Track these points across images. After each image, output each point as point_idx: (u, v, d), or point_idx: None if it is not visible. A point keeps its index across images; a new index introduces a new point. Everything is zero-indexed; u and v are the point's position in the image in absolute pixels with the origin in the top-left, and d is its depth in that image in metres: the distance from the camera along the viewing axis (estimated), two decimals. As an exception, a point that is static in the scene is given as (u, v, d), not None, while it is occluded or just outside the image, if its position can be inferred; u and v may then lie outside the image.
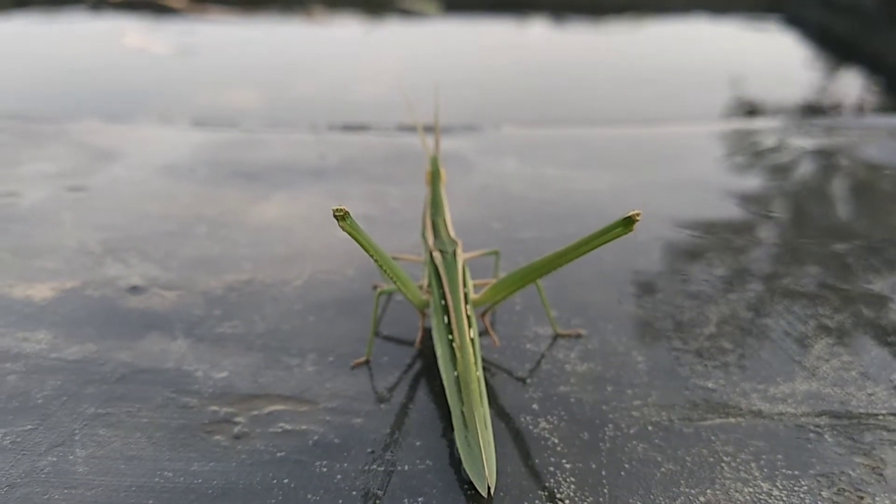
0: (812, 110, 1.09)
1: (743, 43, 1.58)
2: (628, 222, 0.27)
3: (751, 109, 1.06)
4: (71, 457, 0.28)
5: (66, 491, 0.26)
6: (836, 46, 1.49)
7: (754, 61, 1.43)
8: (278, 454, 0.28)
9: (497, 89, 1.14)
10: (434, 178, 0.36)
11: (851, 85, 1.31)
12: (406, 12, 1.65)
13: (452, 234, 0.35)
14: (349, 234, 0.28)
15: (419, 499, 0.26)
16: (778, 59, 1.44)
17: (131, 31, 1.41)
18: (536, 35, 1.55)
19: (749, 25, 1.73)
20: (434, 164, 0.36)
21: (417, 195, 0.53)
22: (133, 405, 0.31)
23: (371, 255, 0.30)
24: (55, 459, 0.27)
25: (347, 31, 1.54)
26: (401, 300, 0.39)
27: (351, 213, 0.27)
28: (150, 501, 0.26)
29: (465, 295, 0.32)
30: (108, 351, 0.34)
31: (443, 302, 0.32)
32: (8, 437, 0.29)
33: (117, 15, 1.65)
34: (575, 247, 0.29)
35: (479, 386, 0.28)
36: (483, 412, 0.27)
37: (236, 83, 1.19)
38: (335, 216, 0.27)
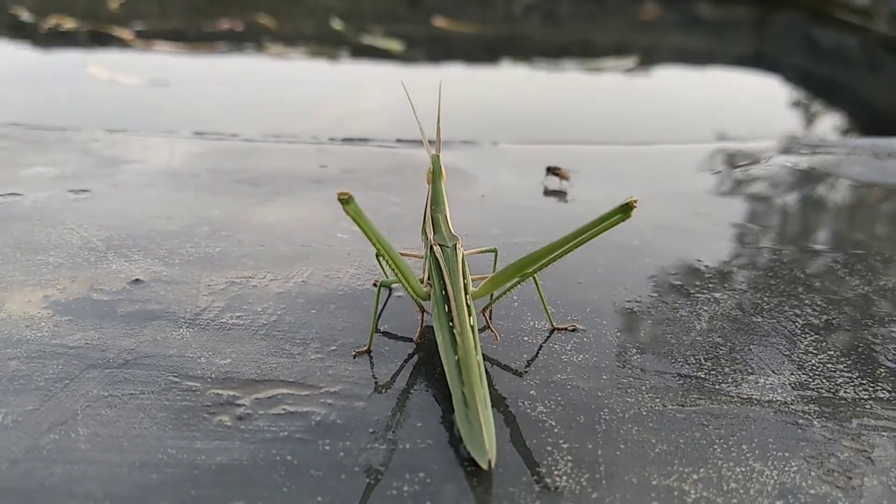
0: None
1: (729, 85, 1.64)
2: (626, 209, 0.28)
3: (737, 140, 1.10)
4: (73, 435, 0.28)
5: (68, 466, 0.26)
6: (818, 88, 1.55)
7: (739, 102, 1.48)
8: (281, 434, 0.28)
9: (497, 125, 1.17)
10: (435, 175, 0.37)
11: (833, 122, 1.36)
12: (371, 48, 1.68)
13: (452, 230, 0.36)
14: (353, 218, 0.29)
15: (420, 474, 0.26)
16: (762, 100, 1.50)
17: (94, 62, 1.42)
18: (530, 77, 1.59)
19: (735, 70, 1.79)
20: (435, 161, 0.37)
21: (418, 203, 0.54)
22: (136, 387, 0.31)
23: (373, 243, 0.31)
24: (57, 437, 0.28)
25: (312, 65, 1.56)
26: (402, 295, 0.40)
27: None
28: (154, 476, 0.26)
29: (465, 286, 0.33)
30: (111, 338, 0.35)
31: (443, 292, 0.32)
32: (10, 417, 0.29)
33: (68, 45, 1.66)
34: (574, 235, 0.30)
35: (480, 368, 0.29)
36: (483, 392, 0.28)
37: (222, 113, 1.20)
38: (340, 199, 0.28)
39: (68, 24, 1.77)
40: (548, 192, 0.47)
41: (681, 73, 1.73)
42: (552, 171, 0.59)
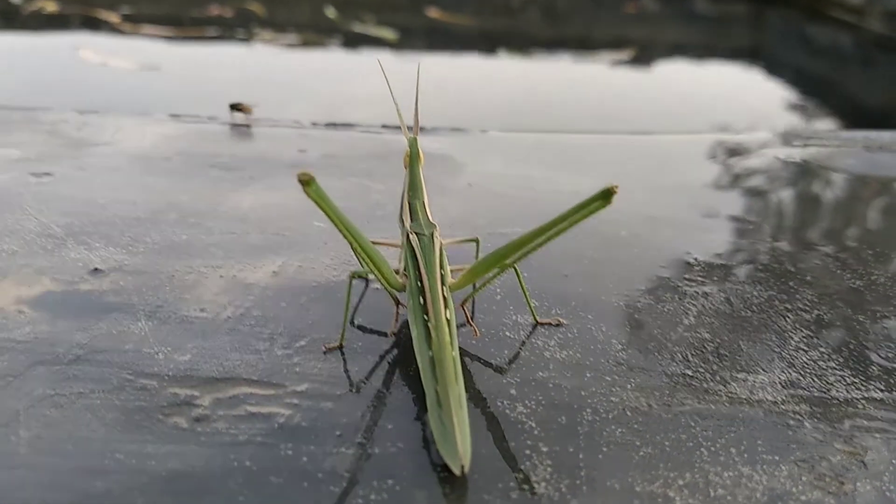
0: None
1: (723, 79, 1.63)
2: (607, 195, 0.26)
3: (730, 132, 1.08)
4: (13, 438, 0.26)
5: (5, 472, 0.24)
6: (812, 85, 1.55)
7: (733, 95, 1.47)
8: (241, 437, 0.26)
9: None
10: (412, 160, 0.35)
11: (826, 117, 1.36)
12: (365, 36, 1.65)
13: (430, 217, 0.34)
14: (315, 202, 0.27)
15: (389, 481, 0.24)
16: (756, 94, 1.49)
17: (85, 46, 1.39)
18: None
19: (730, 64, 1.78)
20: (413, 144, 0.35)
21: (400, 189, 0.52)
22: (85, 386, 0.29)
23: (339, 229, 0.29)
24: (-5, 441, 0.25)
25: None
26: (379, 287, 0.38)
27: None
28: (98, 483, 0.24)
29: (442, 276, 0.31)
30: (63, 332, 0.32)
31: (419, 283, 0.31)
32: (-55, 418, 0.27)
33: (56, 29, 1.62)
34: (554, 223, 0.29)
35: (455, 365, 0.27)
36: (458, 391, 0.26)
37: (214, 95, 1.17)
38: (300, 180, 0.26)
39: (51, 7, 1.73)
40: (235, 126, 0.64)
41: (675, 66, 1.72)
42: (235, 107, 0.67)
